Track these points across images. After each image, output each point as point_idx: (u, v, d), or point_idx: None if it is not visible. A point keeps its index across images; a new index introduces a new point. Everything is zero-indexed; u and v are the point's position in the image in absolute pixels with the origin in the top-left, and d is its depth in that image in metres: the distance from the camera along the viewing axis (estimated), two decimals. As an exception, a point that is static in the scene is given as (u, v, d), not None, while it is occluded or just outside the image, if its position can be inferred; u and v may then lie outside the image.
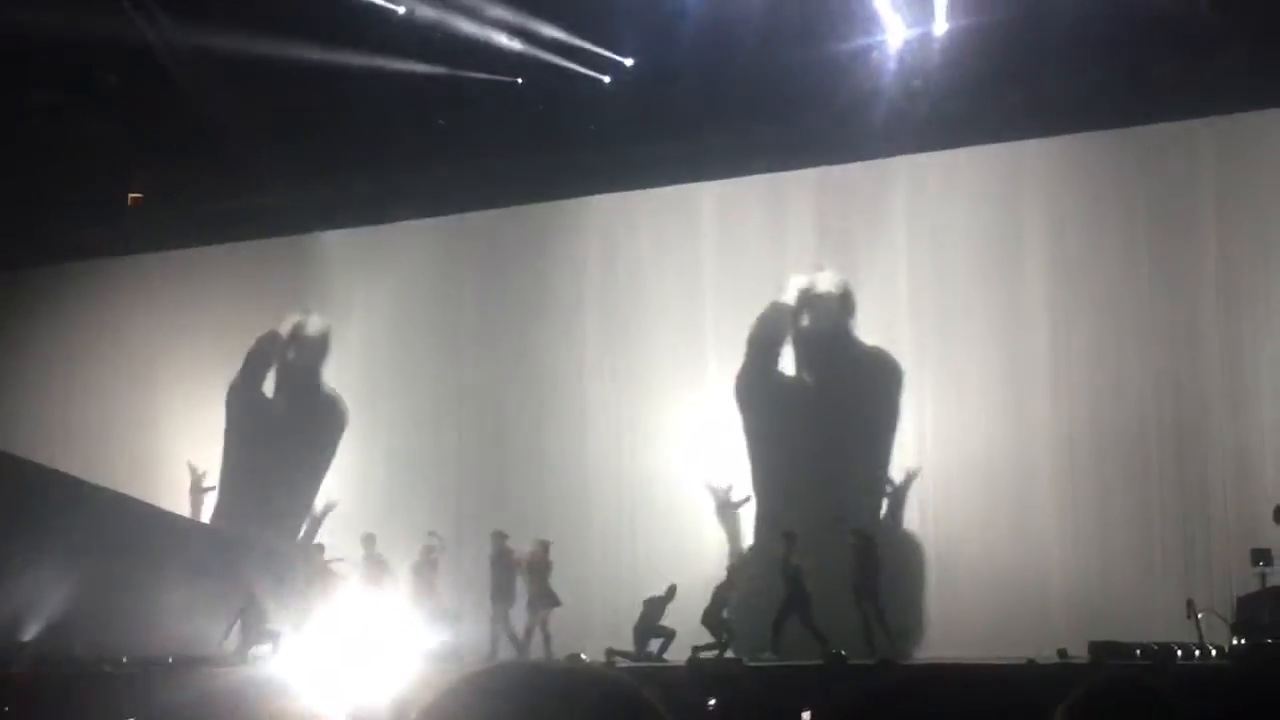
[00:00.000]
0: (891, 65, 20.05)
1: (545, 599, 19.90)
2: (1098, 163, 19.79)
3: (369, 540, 20.90)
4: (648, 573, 20.03)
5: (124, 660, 20.06)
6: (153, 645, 20.42)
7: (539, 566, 20.04)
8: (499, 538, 20.26)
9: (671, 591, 19.06)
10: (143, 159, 24.71)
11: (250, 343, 24.22)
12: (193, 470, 23.82)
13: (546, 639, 19.63)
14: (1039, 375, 19.49)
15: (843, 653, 16.68)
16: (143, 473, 23.94)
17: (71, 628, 21.03)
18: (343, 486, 23.19)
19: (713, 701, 10.09)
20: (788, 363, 21.11)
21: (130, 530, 22.58)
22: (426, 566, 20.59)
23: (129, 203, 25.19)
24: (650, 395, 21.50)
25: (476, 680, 1.44)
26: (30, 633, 21.27)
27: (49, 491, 23.31)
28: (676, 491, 21.07)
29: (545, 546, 20.09)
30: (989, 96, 19.34)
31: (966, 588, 19.24)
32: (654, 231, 21.91)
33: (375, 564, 20.82)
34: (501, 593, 20.07)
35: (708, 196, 21.73)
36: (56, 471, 23.68)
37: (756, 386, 21.18)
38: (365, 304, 23.49)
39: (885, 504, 20.19)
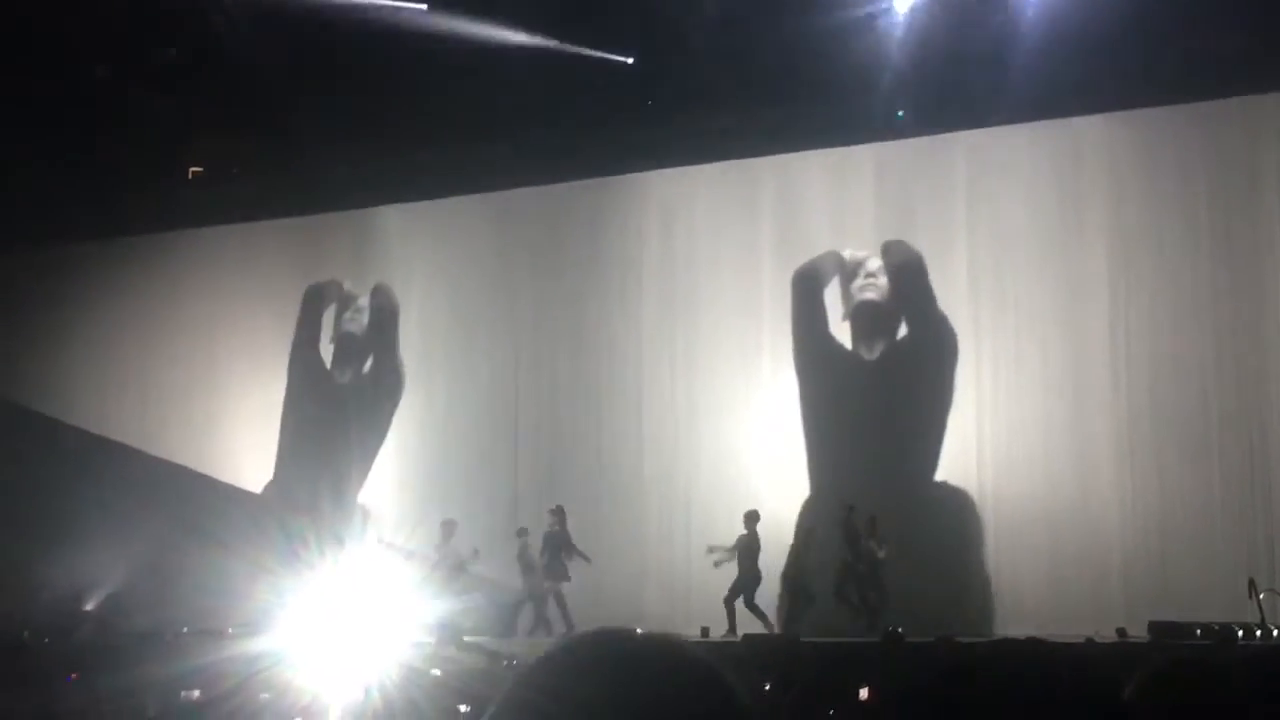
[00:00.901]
0: (946, 38, 19.90)
1: (558, 571, 20.10)
2: (1159, 138, 19.60)
3: (449, 527, 20.73)
4: (702, 547, 20.00)
5: (184, 630, 20.30)
6: (212, 615, 20.65)
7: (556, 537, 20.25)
8: (557, 514, 20.29)
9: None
10: (203, 133, 24.84)
11: (311, 314, 24.39)
12: None
13: (563, 611, 19.82)
14: (1098, 352, 19.34)
15: (900, 630, 16.65)
16: (203, 443, 24.17)
17: (132, 597, 21.30)
18: (400, 458, 23.32)
19: (768, 685, 10.12)
20: (845, 336, 21.03)
21: (191, 500, 22.86)
22: (524, 557, 20.53)
23: (189, 176, 25.34)
24: (708, 368, 21.49)
25: (571, 648, 1.46)
26: (92, 602, 21.57)
27: (111, 462, 23.63)
28: (733, 465, 21.07)
29: (560, 515, 20.28)
30: (1049, 70, 19.15)
31: (1025, 565, 19.12)
32: (712, 205, 21.87)
33: (453, 552, 20.68)
34: (556, 568, 20.14)
35: (767, 170, 21.67)
36: (118, 442, 23.99)
37: (814, 360, 21.15)
38: (425, 277, 23.57)
39: (942, 480, 20.12)
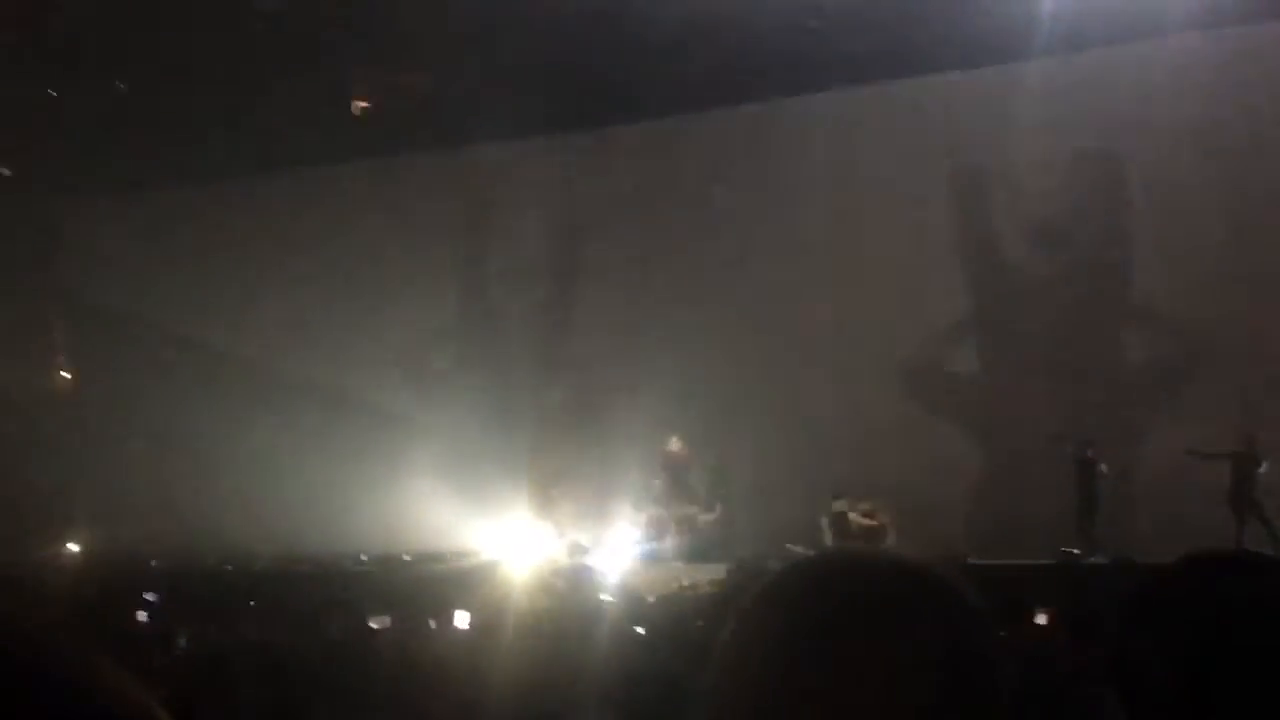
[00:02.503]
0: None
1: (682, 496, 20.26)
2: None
3: None
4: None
5: (362, 558, 20.75)
6: (390, 542, 21.09)
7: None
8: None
9: None
10: (368, 67, 24.88)
11: (472, 248, 24.56)
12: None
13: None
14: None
15: (1076, 551, 16.42)
16: (369, 373, 24.45)
17: (309, 526, 21.78)
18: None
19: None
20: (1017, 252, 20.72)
21: (364, 430, 23.26)
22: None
23: (354, 111, 25.42)
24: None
25: (804, 569, 1.44)
26: (269, 531, 22.06)
27: (285, 395, 24.10)
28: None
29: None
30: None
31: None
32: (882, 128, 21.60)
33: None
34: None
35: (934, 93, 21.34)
36: (289, 373, 24.39)
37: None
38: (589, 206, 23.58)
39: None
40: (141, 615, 12.59)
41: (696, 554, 19.72)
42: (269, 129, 23.40)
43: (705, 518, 20.44)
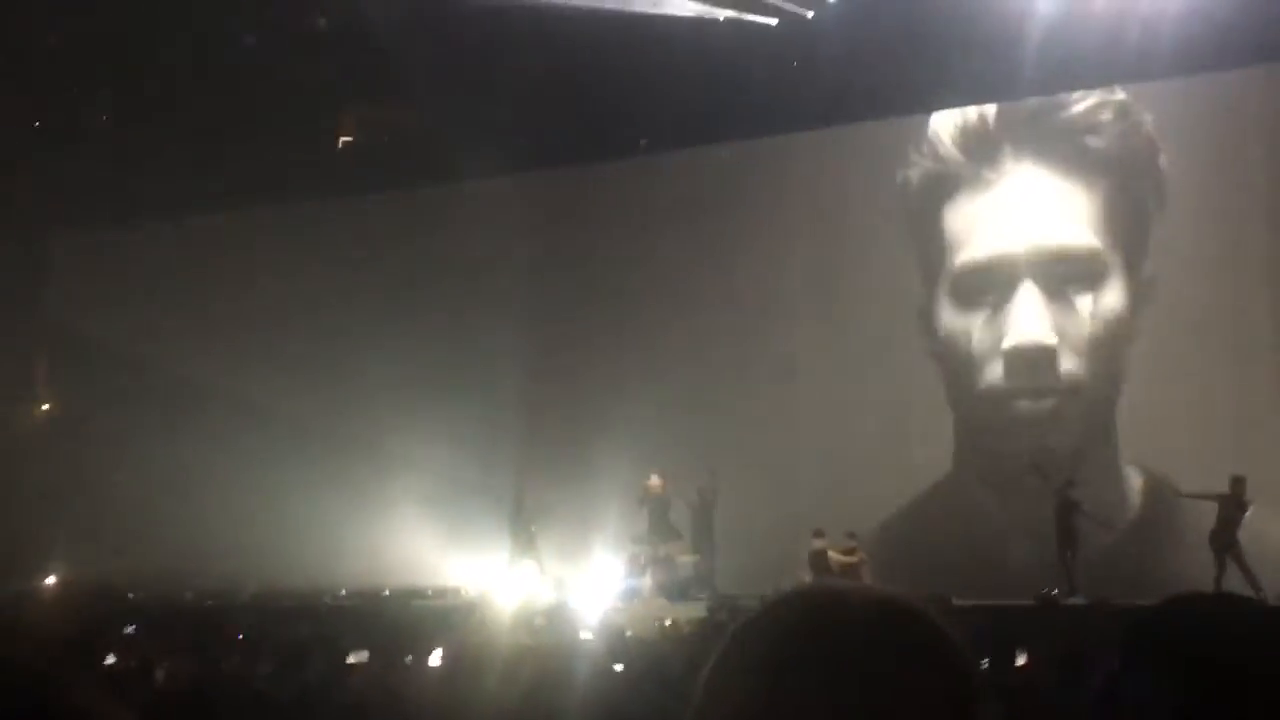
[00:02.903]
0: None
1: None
2: None
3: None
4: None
5: (342, 592, 20.69)
6: (371, 577, 21.02)
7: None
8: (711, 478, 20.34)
9: None
10: (350, 102, 24.98)
11: (454, 282, 24.52)
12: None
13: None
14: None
15: (1054, 592, 16.44)
16: (352, 408, 24.36)
17: (290, 560, 21.70)
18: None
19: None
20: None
21: (346, 465, 23.19)
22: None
23: (341, 144, 25.49)
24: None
25: (788, 601, 1.44)
26: (253, 566, 21.98)
27: (267, 429, 24.01)
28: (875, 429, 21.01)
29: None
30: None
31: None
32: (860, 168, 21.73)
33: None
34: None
35: (912, 132, 21.48)
36: (272, 408, 24.31)
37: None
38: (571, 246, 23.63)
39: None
40: (120, 648, 12.50)
41: (677, 592, 19.69)
42: (254, 163, 23.44)
43: (685, 558, 20.41)
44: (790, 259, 22.14)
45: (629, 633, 14.51)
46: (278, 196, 24.84)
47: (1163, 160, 20.26)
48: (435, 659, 10.88)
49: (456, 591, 20.74)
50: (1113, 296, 20.46)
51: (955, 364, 21.28)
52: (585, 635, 14.63)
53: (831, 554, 19.12)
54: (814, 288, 22.04)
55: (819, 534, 19.27)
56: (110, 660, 11.37)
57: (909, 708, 1.34)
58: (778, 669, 1.36)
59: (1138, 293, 20.33)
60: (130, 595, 20.13)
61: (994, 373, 20.95)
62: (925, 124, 21.79)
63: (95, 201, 24.73)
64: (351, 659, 10.71)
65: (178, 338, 25.26)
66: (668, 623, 15.77)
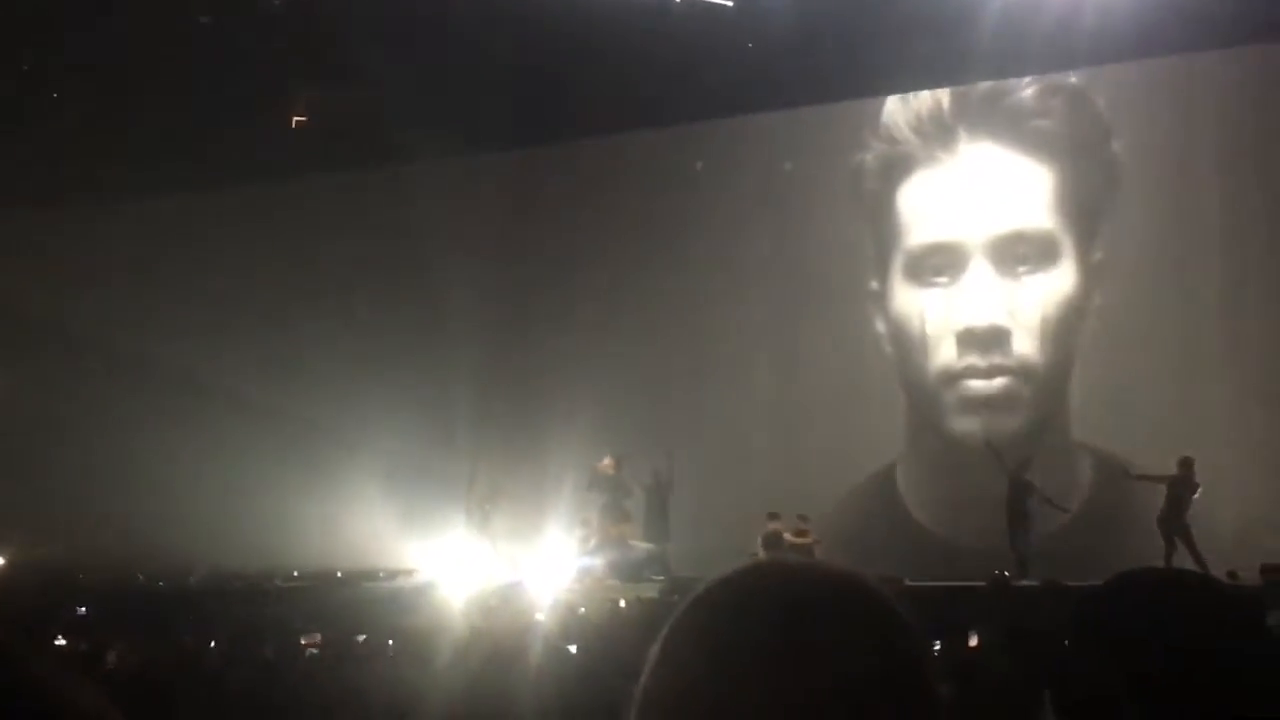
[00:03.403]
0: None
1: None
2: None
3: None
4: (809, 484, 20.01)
5: (294, 574, 20.59)
6: (323, 560, 20.94)
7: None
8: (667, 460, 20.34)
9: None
10: (303, 83, 24.77)
11: (409, 264, 24.41)
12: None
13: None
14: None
15: (1006, 574, 16.50)
16: (305, 389, 24.25)
17: (243, 541, 21.59)
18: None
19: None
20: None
21: (299, 446, 23.07)
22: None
23: (292, 125, 25.30)
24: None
25: (738, 575, 1.43)
26: (203, 548, 21.84)
27: (220, 410, 23.86)
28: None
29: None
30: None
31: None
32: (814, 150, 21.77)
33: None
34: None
35: (867, 115, 21.54)
36: (224, 388, 24.14)
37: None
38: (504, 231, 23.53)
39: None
40: (70, 630, 12.42)
41: (631, 572, 19.69)
42: (200, 144, 23.27)
43: (639, 544, 20.41)
44: (744, 242, 22.17)
45: (582, 610, 14.54)
46: (228, 177, 24.65)
47: (1115, 144, 20.40)
48: (391, 639, 10.87)
49: (410, 573, 20.66)
50: (1065, 278, 20.60)
51: (908, 345, 21.39)
52: (539, 616, 14.63)
53: (786, 536, 19.20)
54: (768, 271, 22.09)
55: (774, 516, 19.35)
56: (60, 642, 11.29)
57: (858, 683, 1.33)
58: (725, 643, 1.35)
59: (1090, 274, 20.47)
60: (80, 576, 19.96)
61: (946, 353, 21.06)
62: (880, 107, 21.88)
63: (33, 182, 24.41)
64: (304, 640, 10.68)
65: (124, 316, 25.02)
66: (622, 604, 15.77)
